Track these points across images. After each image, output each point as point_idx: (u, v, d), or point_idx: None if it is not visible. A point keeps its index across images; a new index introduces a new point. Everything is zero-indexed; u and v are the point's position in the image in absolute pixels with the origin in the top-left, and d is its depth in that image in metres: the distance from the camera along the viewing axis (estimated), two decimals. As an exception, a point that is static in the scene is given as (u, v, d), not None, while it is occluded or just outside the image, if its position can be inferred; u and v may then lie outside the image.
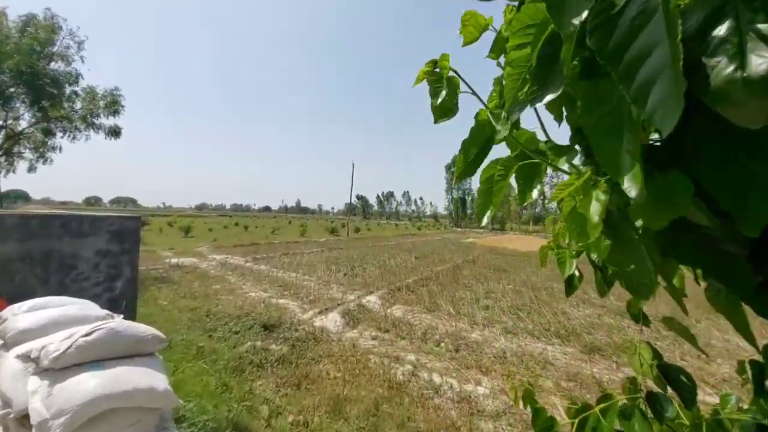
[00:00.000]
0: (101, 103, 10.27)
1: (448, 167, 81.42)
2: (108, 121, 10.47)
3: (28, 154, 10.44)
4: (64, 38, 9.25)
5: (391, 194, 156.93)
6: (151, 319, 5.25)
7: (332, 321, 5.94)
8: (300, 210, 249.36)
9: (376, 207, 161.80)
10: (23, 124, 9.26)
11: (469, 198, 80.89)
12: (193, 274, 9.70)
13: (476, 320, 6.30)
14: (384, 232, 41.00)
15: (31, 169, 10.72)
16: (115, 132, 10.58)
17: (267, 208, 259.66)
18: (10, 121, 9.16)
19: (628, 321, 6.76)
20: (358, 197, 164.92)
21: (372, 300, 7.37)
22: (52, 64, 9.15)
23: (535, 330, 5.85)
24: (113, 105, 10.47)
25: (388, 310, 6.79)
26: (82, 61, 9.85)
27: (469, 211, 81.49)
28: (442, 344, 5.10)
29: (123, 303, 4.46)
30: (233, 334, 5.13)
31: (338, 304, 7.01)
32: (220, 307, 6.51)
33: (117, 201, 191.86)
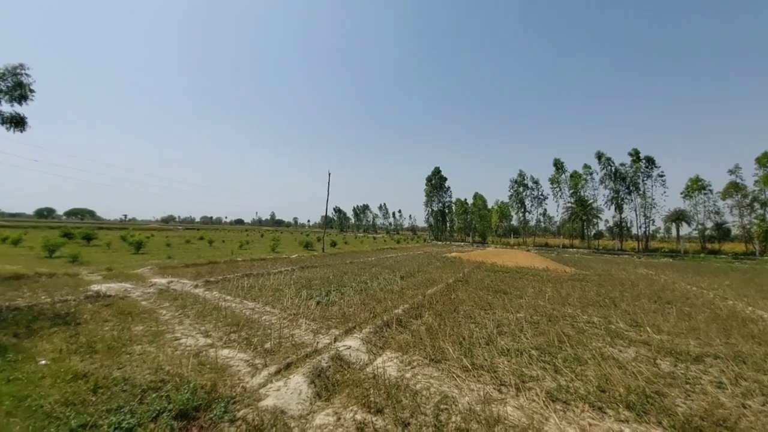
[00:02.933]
0: (2, 85, 7.88)
1: (428, 179, 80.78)
2: (9, 108, 8.05)
3: None
4: None
5: (366, 207, 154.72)
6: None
7: (294, 391, 3.91)
8: (275, 223, 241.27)
9: (353, 220, 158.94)
10: None
11: (449, 211, 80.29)
12: (113, 308, 7.32)
13: (501, 376, 4.48)
14: (362, 246, 38.91)
15: None
16: (16, 122, 8.12)
17: (240, 221, 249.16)
18: None
19: (693, 365, 5.17)
20: (336, 210, 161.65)
21: (353, 346, 5.39)
22: None
23: (589, 393, 4.09)
24: (18, 88, 8.09)
25: (377, 363, 4.84)
26: None
27: (448, 224, 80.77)
28: (469, 436, 3.22)
29: None
30: (120, 435, 3.02)
31: (306, 356, 4.98)
32: (126, 371, 4.33)
33: (73, 213, 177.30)
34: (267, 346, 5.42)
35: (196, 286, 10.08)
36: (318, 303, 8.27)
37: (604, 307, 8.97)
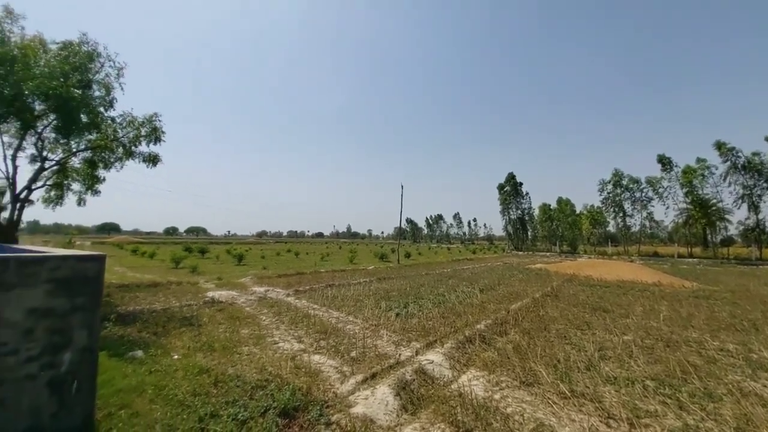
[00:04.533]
0: (142, 131, 9.99)
1: (501, 187, 76.55)
2: (146, 149, 10.15)
3: (75, 186, 10.53)
4: (103, 65, 9.23)
5: (440, 217, 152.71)
6: (128, 399, 3.79)
7: (381, 401, 4.02)
8: (351, 235, 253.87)
9: (426, 230, 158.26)
10: (60, 154, 9.27)
11: (529, 218, 74.47)
12: (224, 313, 8.49)
13: (608, 408, 3.94)
14: (436, 257, 38.37)
15: (80, 201, 10.78)
16: (153, 159, 10.21)
17: (320, 234, 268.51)
18: (49, 154, 9.21)
19: None
20: (408, 221, 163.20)
21: (436, 360, 5.32)
22: (94, 93, 9.12)
23: (731, 440, 3.35)
24: (154, 132, 10.15)
25: (462, 381, 4.69)
26: (122, 89, 9.73)
27: (530, 232, 74.86)
28: (574, 472, 2.89)
29: (74, 385, 3.04)
30: (237, 426, 3.46)
31: (390, 367, 5.08)
32: (238, 368, 4.96)
33: (191, 230, 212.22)
34: (353, 354, 5.69)
35: (288, 295, 11.10)
36: (397, 315, 8.39)
37: (742, 332, 7.28)
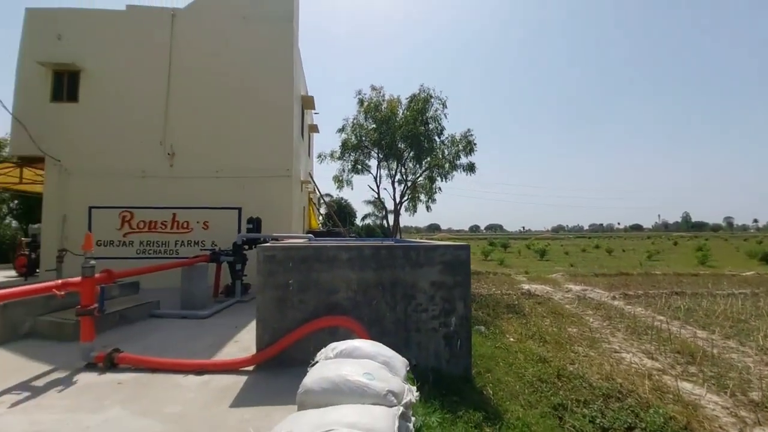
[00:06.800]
0: (460, 146, 12.13)
1: None
2: (465, 160, 12.20)
3: (422, 197, 14.42)
4: (433, 104, 12.13)
5: None
6: (489, 365, 4.49)
7: None
8: (691, 227, 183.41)
9: None
10: (412, 176, 12.98)
11: None
12: (544, 307, 8.51)
13: None
14: None
15: (427, 208, 14.72)
16: (470, 168, 12.13)
17: (637, 227, 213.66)
18: (409, 177, 13.15)
19: None
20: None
21: None
22: (430, 126, 12.17)
23: None
24: (468, 146, 12.05)
25: None
26: (446, 118, 12.33)
27: None
28: None
29: (458, 342, 3.98)
30: (597, 431, 3.23)
31: None
32: (578, 368, 4.73)
33: (490, 227, 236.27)
34: (753, 396, 3.89)
35: (614, 298, 9.51)
36: None
37: None
